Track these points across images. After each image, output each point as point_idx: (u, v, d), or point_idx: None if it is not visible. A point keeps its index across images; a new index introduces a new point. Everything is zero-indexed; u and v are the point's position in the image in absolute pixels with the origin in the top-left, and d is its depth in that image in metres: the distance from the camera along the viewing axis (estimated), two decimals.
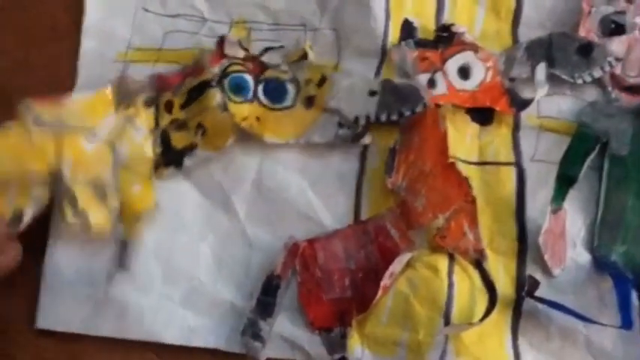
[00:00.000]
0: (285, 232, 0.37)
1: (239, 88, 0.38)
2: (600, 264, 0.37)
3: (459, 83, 0.39)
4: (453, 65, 0.39)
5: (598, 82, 0.40)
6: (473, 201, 0.35)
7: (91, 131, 0.37)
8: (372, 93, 0.37)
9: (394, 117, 0.37)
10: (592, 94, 0.40)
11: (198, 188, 0.38)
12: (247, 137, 0.38)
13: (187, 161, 0.38)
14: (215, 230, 0.37)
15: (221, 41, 0.39)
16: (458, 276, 0.35)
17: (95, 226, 0.36)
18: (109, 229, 0.37)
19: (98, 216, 0.36)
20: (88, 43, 0.41)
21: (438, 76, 0.39)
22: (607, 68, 0.40)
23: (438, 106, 0.38)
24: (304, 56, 0.39)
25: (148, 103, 0.38)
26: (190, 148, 0.38)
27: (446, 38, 0.39)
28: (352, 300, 0.35)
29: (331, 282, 0.35)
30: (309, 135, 0.37)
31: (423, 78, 0.38)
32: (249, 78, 0.38)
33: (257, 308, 0.35)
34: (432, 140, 0.36)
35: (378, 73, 0.39)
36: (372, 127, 0.38)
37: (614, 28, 0.41)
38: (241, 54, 0.39)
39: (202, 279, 0.37)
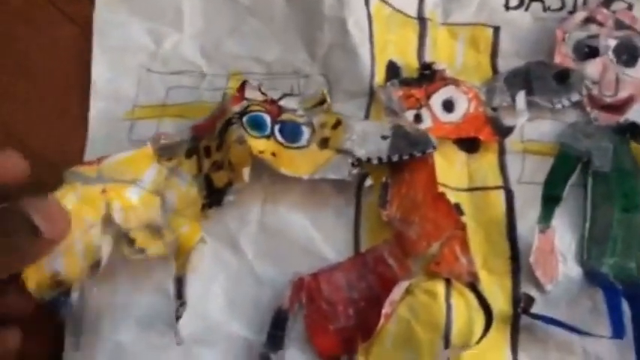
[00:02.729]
0: (291, 268, 0.39)
1: (257, 125, 0.40)
2: (591, 276, 0.38)
3: (443, 116, 0.41)
4: (437, 100, 0.41)
5: (577, 104, 0.42)
6: (463, 228, 0.38)
7: (135, 183, 0.40)
8: (384, 137, 0.40)
9: (405, 157, 0.39)
10: (572, 115, 0.43)
11: (205, 232, 0.40)
12: (261, 171, 0.40)
13: (229, 197, 0.40)
14: (225, 270, 0.40)
15: (242, 85, 0.41)
16: (455, 299, 0.37)
17: (154, 255, 0.38)
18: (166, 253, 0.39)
19: (156, 249, 0.38)
20: (96, 104, 0.44)
21: (424, 112, 0.41)
22: (584, 92, 0.42)
23: None
24: (321, 102, 0.42)
25: (189, 154, 0.41)
26: (230, 184, 0.40)
27: (428, 76, 0.42)
28: (357, 328, 0.37)
29: (336, 312, 0.37)
30: (323, 172, 0.40)
31: (409, 114, 0.41)
32: (266, 117, 0.40)
33: (268, 342, 0.37)
34: (421, 173, 0.39)
35: (367, 112, 0.41)
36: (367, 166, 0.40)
37: (588, 51, 0.43)
38: (260, 97, 0.41)
39: (216, 318, 0.39)
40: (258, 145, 0.39)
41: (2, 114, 0.44)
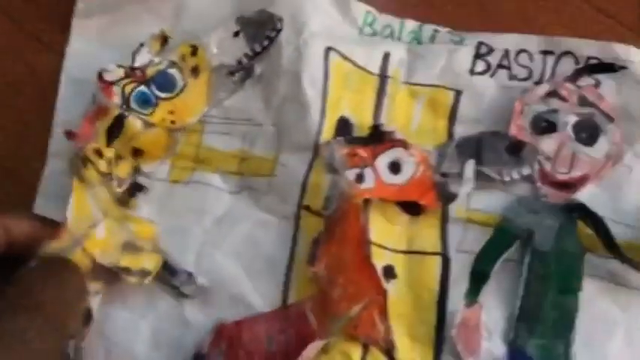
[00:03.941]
0: (218, 314, 0.40)
1: (145, 101, 0.43)
2: (515, 357, 0.38)
3: (388, 178, 0.41)
4: (383, 161, 0.42)
5: (527, 178, 0.42)
6: (384, 294, 0.38)
7: (94, 223, 0.41)
8: (236, 33, 0.44)
9: (265, 43, 0.44)
10: (521, 188, 0.43)
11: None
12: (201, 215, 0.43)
13: (144, 180, 0.43)
14: (155, 309, 0.41)
15: (100, 76, 0.43)
16: None
17: (155, 268, 0.40)
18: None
19: (151, 262, 0.40)
20: (57, 133, 0.45)
21: (367, 171, 0.41)
22: (536, 167, 0.42)
23: (367, 201, 0.40)
24: (165, 40, 0.45)
25: (84, 164, 0.42)
26: (137, 172, 0.43)
27: (377, 136, 0.42)
28: None
29: None
30: (214, 97, 0.44)
31: (351, 173, 0.41)
32: (144, 88, 0.43)
33: None
34: (352, 233, 0.39)
35: (310, 166, 0.42)
36: (302, 219, 0.41)
37: (545, 126, 0.43)
38: (122, 72, 0.43)
39: (138, 354, 0.40)
40: (157, 116, 0.43)
41: None
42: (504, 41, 0.45)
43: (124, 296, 0.41)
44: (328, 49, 0.44)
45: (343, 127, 0.43)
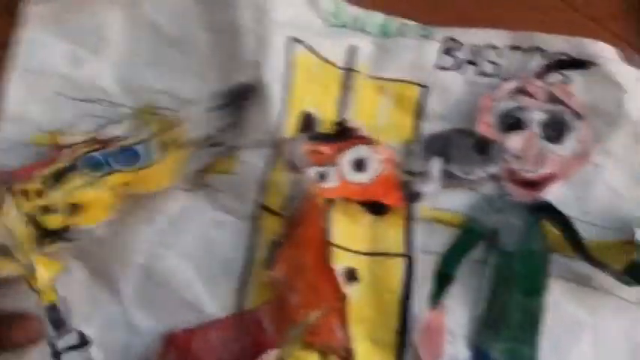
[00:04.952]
0: (169, 320, 0.38)
1: (94, 165, 0.39)
2: None
3: (352, 176, 0.40)
4: (347, 158, 0.40)
5: (494, 177, 0.41)
6: (344, 300, 0.36)
7: None
8: (211, 109, 0.41)
9: (237, 112, 0.40)
10: (488, 187, 0.42)
11: (88, 269, 0.39)
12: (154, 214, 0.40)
13: (73, 236, 0.38)
14: (101, 313, 0.39)
15: (55, 137, 0.40)
16: None
17: (10, 275, 0.37)
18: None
19: (10, 270, 0.37)
20: (4, 126, 0.43)
21: (330, 170, 0.40)
22: (503, 165, 0.41)
23: (330, 201, 0.39)
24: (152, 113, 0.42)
25: (8, 192, 0.39)
26: (66, 230, 0.38)
27: (342, 132, 0.40)
28: None
29: None
30: (187, 170, 0.40)
31: (313, 171, 0.40)
32: (98, 155, 0.40)
33: None
34: (312, 237, 0.38)
35: (270, 164, 0.40)
36: (261, 219, 0.39)
37: (513, 123, 0.42)
38: (80, 139, 0.40)
39: None
40: (109, 182, 0.38)
41: None
42: (473, 36, 0.44)
43: (67, 298, 0.39)
44: (292, 40, 0.42)
45: (306, 122, 0.41)
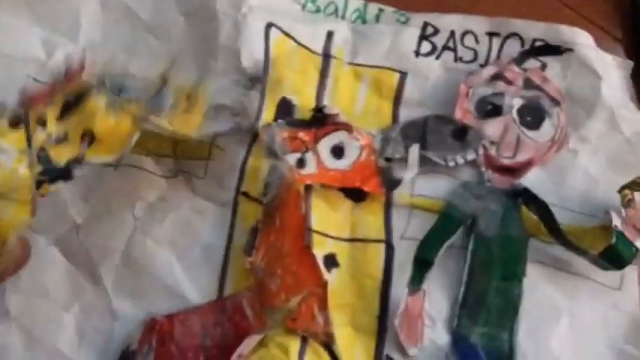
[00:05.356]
0: (150, 306, 0.38)
1: (120, 89, 0.37)
2: (458, 345, 0.37)
3: (331, 162, 0.40)
4: (325, 145, 0.40)
5: (472, 163, 0.41)
6: (324, 286, 0.36)
7: None
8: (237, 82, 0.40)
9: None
10: (466, 173, 0.42)
11: (66, 256, 0.39)
12: (134, 199, 0.39)
13: (78, 172, 0.36)
14: (80, 300, 0.38)
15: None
16: (309, 357, 0.36)
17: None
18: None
19: None
20: None
21: (309, 156, 0.40)
22: (481, 151, 0.41)
23: (309, 187, 0.38)
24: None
25: (14, 123, 0.36)
26: (77, 161, 0.36)
27: (320, 119, 0.40)
28: None
29: (185, 359, 0.36)
30: (202, 132, 0.39)
31: (292, 157, 0.39)
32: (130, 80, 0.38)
33: None
34: (291, 222, 0.38)
35: (249, 149, 0.40)
36: (240, 205, 0.39)
37: (490, 109, 0.42)
38: None
39: (63, 350, 0.37)
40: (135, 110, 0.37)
41: None
42: (450, 22, 0.44)
43: (45, 285, 0.38)
44: (269, 25, 0.42)
45: (285, 108, 0.41)
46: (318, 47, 0.43)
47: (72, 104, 0.36)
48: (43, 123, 0.36)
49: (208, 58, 0.42)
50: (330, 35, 0.44)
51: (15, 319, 0.37)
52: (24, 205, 0.35)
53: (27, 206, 0.35)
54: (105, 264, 0.39)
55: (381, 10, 0.45)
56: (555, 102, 0.42)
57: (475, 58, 0.44)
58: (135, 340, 0.36)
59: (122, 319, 0.38)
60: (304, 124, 0.40)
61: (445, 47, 0.44)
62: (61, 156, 0.36)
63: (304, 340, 0.36)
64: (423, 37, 0.44)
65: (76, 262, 0.39)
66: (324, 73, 0.43)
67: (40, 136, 0.36)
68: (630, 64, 0.43)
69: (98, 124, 0.36)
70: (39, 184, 0.35)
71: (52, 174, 0.36)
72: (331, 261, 0.38)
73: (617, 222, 0.37)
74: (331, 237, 0.39)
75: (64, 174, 0.36)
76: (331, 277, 0.38)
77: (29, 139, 0.36)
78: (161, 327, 0.36)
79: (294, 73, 0.42)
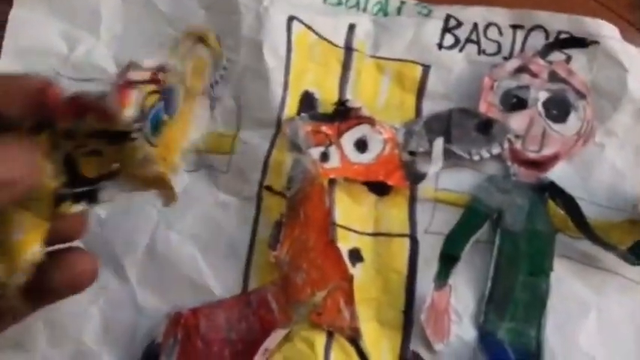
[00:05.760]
0: (174, 300, 0.38)
1: (157, 126, 0.32)
2: (485, 341, 0.37)
3: (354, 156, 0.40)
4: (349, 139, 0.40)
5: (497, 157, 0.41)
6: (350, 280, 0.36)
7: None
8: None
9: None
10: (491, 167, 0.41)
11: (92, 249, 0.38)
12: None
13: (105, 195, 0.30)
14: (105, 294, 0.39)
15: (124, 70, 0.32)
16: (335, 352, 0.36)
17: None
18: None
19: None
20: None
21: (332, 150, 0.39)
22: (506, 145, 0.40)
23: (332, 181, 0.39)
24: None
25: (37, 128, 0.28)
26: (109, 177, 0.30)
27: (343, 112, 0.40)
28: None
29: (210, 352, 0.36)
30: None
31: (315, 151, 0.39)
32: (161, 105, 0.33)
33: None
34: (316, 216, 0.38)
35: (272, 144, 0.39)
36: (264, 200, 0.39)
37: (515, 102, 0.42)
38: (147, 74, 0.32)
39: (88, 343, 0.37)
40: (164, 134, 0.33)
41: None
42: (473, 14, 0.44)
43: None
44: (291, 18, 0.42)
45: (307, 102, 0.41)
46: (340, 40, 0.43)
47: (108, 138, 0.30)
48: (71, 136, 0.29)
49: (230, 50, 0.41)
50: (351, 28, 0.43)
51: (40, 313, 0.37)
52: (37, 225, 0.28)
53: (43, 226, 0.29)
54: (129, 258, 0.38)
55: (402, 2, 0.44)
56: (581, 95, 0.42)
57: (499, 51, 0.43)
58: (160, 333, 0.36)
59: (147, 312, 0.38)
60: (327, 118, 0.40)
61: (468, 40, 0.43)
62: (90, 170, 0.30)
63: (330, 335, 0.36)
64: (446, 29, 0.44)
65: (101, 256, 0.38)
66: (346, 66, 0.42)
67: (68, 144, 0.29)
68: None
69: (129, 165, 0.30)
70: (60, 199, 0.29)
71: (76, 186, 0.30)
72: (356, 255, 0.38)
73: None
74: (355, 231, 0.39)
75: (91, 193, 0.30)
76: (356, 271, 0.37)
77: (56, 144, 0.29)
78: (186, 321, 0.36)
79: (316, 66, 0.42)
